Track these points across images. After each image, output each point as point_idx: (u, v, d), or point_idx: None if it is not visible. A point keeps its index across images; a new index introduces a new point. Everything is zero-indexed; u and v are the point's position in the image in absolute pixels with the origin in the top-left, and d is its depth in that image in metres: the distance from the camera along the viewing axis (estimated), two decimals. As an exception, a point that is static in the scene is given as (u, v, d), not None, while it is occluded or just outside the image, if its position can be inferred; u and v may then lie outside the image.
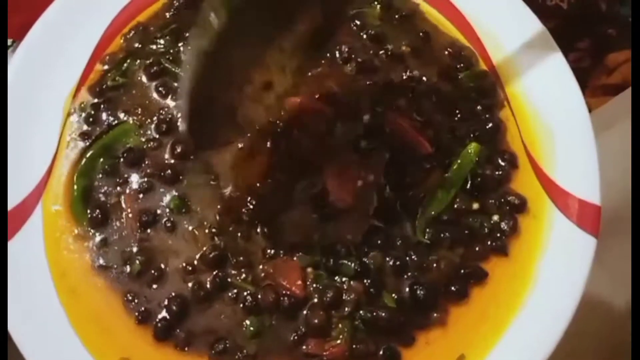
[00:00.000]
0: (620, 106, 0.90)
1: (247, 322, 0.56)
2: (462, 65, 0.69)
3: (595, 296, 0.61)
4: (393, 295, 0.58)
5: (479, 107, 0.67)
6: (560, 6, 0.97)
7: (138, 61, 0.66)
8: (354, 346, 0.56)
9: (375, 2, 0.72)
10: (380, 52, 0.69)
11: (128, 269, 0.58)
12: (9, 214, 0.58)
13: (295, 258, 0.58)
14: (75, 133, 0.63)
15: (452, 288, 0.59)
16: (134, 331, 0.56)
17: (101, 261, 0.58)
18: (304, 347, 0.56)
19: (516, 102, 0.67)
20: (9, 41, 0.79)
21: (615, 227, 0.68)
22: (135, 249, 0.59)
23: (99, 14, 0.68)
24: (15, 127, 0.61)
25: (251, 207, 0.60)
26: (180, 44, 0.67)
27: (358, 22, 0.70)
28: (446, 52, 0.70)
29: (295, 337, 0.56)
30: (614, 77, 1.00)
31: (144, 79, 0.66)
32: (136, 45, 0.68)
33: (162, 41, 0.68)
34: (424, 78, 0.67)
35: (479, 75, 0.68)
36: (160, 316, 0.56)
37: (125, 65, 0.66)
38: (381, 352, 0.56)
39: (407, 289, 0.58)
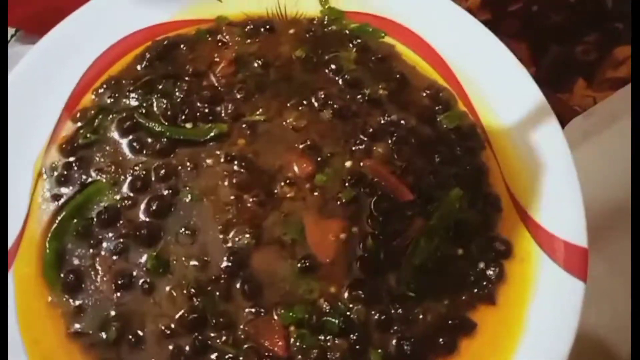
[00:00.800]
0: (625, 98, 0.88)
1: (230, 387, 0.54)
2: (440, 107, 0.68)
3: (595, 288, 0.59)
4: (379, 351, 0.56)
5: (459, 149, 0.66)
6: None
7: (110, 116, 0.65)
8: (341, 408, 0.54)
9: (351, 45, 0.71)
10: (358, 96, 0.68)
11: (104, 335, 0.56)
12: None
13: (276, 317, 0.57)
14: (47, 194, 0.61)
15: (440, 341, 0.57)
16: (111, 402, 0.54)
17: (76, 327, 0.56)
18: (289, 412, 0.54)
19: (497, 142, 0.66)
20: (12, 30, 0.76)
21: (616, 219, 0.67)
22: (111, 314, 0.57)
23: (69, 68, 0.67)
24: (-17, 191, 0.60)
25: (229, 263, 0.58)
26: (153, 97, 0.66)
27: (333, 67, 0.69)
28: (424, 94, 0.69)
29: (280, 402, 0.54)
30: (620, 71, 0.98)
31: (117, 134, 0.64)
32: (108, 99, 0.66)
33: (134, 94, 0.66)
34: (403, 122, 0.66)
35: (458, 116, 0.67)
36: (138, 385, 0.54)
37: (97, 121, 0.65)
38: (369, 414, 0.55)
39: (394, 344, 0.57)
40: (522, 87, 0.67)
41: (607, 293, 0.68)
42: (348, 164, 0.64)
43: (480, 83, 0.68)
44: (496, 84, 0.68)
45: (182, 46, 0.70)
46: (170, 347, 0.55)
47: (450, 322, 0.58)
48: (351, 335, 0.56)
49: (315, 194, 0.62)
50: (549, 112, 0.65)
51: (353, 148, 0.64)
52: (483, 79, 0.68)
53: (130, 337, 0.56)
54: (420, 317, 0.58)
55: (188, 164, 0.63)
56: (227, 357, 0.55)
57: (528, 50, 0.92)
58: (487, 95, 0.68)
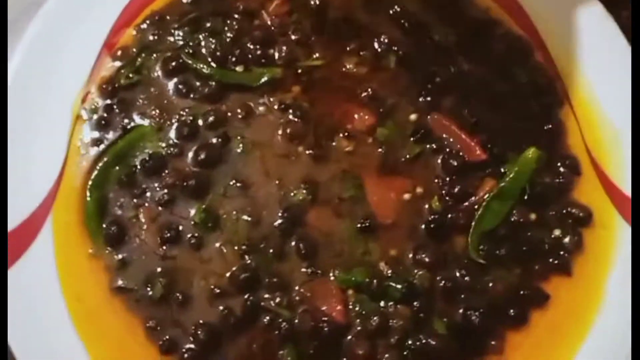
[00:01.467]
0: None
1: (283, 351, 0.51)
2: (516, 57, 0.61)
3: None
4: (444, 320, 0.53)
5: (535, 106, 0.60)
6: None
7: (154, 56, 0.59)
8: (402, 378, 0.51)
9: (418, -15, 0.64)
10: (424, 42, 0.61)
11: (150, 292, 0.52)
12: (15, 231, 0.52)
13: (333, 279, 0.53)
14: (86, 139, 0.57)
15: (510, 312, 0.53)
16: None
17: (120, 283, 0.53)
18: (347, 380, 0.51)
19: (578, 99, 0.60)
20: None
21: None
22: (157, 270, 0.53)
23: (107, 2, 0.60)
24: (17, 133, 0.55)
25: (283, 220, 0.54)
26: (200, 35, 0.60)
27: (397, 8, 0.63)
28: (497, 43, 0.62)
29: (338, 369, 0.51)
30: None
31: (161, 75, 0.59)
32: (151, 37, 0.60)
33: (180, 32, 0.61)
34: (474, 72, 0.60)
35: (535, 69, 0.61)
36: (186, 346, 0.51)
37: (139, 60, 0.59)
38: (433, 385, 0.51)
39: (460, 314, 0.53)
40: (608, 40, 0.60)
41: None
42: (413, 117, 0.58)
43: (560, 32, 0.61)
44: (579, 35, 0.60)
45: (232, -20, 0.63)
46: (220, 308, 0.52)
47: (521, 292, 0.54)
48: (414, 303, 0.52)
49: (377, 149, 0.57)
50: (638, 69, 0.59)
51: (419, 100, 0.59)
52: (564, 28, 0.61)
53: (178, 295, 0.52)
54: (490, 285, 0.54)
55: (239, 111, 0.58)
56: (280, 320, 0.51)
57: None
58: (568, 46, 0.61)
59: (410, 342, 0.51)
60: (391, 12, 0.62)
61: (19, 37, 0.56)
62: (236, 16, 0.61)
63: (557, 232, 0.55)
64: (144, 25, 0.61)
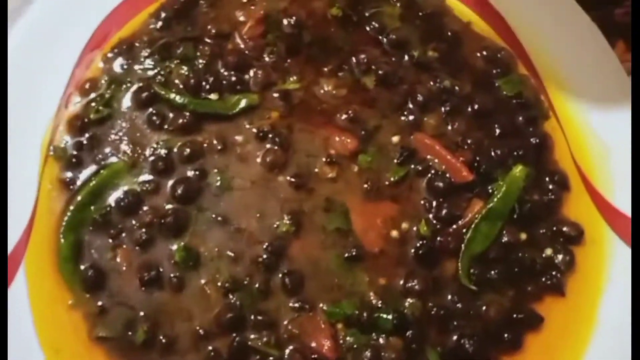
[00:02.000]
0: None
1: (274, 391, 0.49)
2: (498, 70, 0.60)
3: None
4: (438, 349, 0.51)
5: (520, 120, 0.59)
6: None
7: (124, 87, 0.57)
8: (398, 413, 0.49)
9: (395, 0, 0.62)
10: (404, 59, 0.60)
11: (132, 337, 0.50)
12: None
13: (322, 313, 0.51)
14: (57, 179, 0.54)
15: (504, 337, 0.52)
16: (144, 412, 0.49)
17: (100, 331, 0.51)
18: (342, 419, 0.49)
19: (563, 111, 0.59)
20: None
21: None
22: (139, 314, 0.51)
23: (73, 32, 0.58)
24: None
25: (267, 254, 0.52)
26: (171, 63, 0.58)
27: (376, 25, 0.61)
28: (479, 56, 0.61)
29: (331, 407, 0.49)
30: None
31: (133, 108, 0.57)
32: (119, 68, 0.58)
33: (150, 61, 0.58)
34: (456, 88, 0.59)
35: (519, 82, 0.60)
36: (173, 392, 0.49)
37: (109, 92, 0.57)
38: (429, 417, 0.50)
39: (454, 342, 0.52)
40: (592, 48, 0.59)
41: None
42: (395, 138, 0.57)
43: (543, 42, 0.60)
44: (562, 44, 0.60)
45: (202, 3, 0.61)
46: (208, 349, 0.50)
47: (515, 316, 0.53)
48: (406, 333, 0.51)
49: (361, 174, 0.55)
50: (623, 75, 0.57)
51: (401, 120, 0.57)
52: (547, 38, 0.60)
53: (162, 338, 0.50)
54: (483, 310, 0.53)
55: (215, 142, 0.55)
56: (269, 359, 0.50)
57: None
58: (552, 57, 0.60)
59: (403, 375, 0.50)
60: (368, 29, 0.60)
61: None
62: (208, 40, 0.60)
63: (548, 252, 0.54)
64: (111, 54, 0.59)
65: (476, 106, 0.58)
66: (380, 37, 0.60)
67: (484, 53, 0.60)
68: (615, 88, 0.57)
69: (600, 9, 0.86)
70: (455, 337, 0.51)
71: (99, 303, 0.51)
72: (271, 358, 0.50)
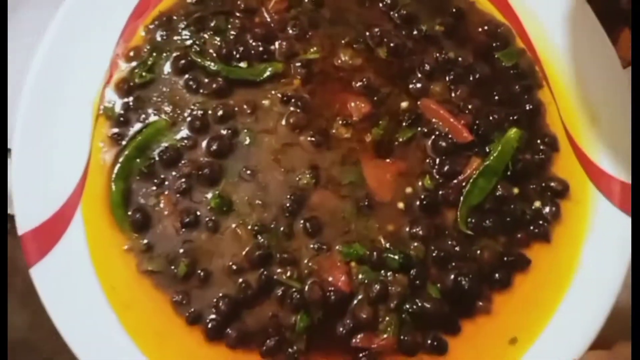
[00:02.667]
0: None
1: (296, 318, 0.57)
2: (498, 43, 0.66)
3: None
4: (437, 286, 0.59)
5: (517, 88, 0.65)
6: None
7: (164, 55, 0.64)
8: (401, 338, 0.57)
9: (405, -22, 0.68)
10: (413, 33, 0.66)
11: (174, 271, 0.58)
12: (46, 223, 0.58)
13: (338, 253, 0.59)
14: (107, 135, 0.62)
15: (496, 276, 0.59)
16: (185, 332, 0.57)
17: (147, 266, 0.59)
18: (353, 340, 0.57)
19: (555, 81, 0.65)
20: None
21: None
22: (179, 251, 0.59)
23: (117, 5, 0.65)
24: (40, 134, 0.60)
25: (290, 202, 0.60)
26: (205, 34, 0.65)
27: (388, 1, 0.67)
28: (481, 30, 0.67)
29: (344, 332, 0.57)
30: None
31: (172, 73, 0.64)
32: (159, 38, 0.65)
33: (186, 32, 0.65)
34: (460, 59, 0.65)
35: (516, 54, 0.66)
36: (210, 317, 0.57)
37: (151, 60, 0.64)
38: (428, 342, 0.58)
39: (451, 280, 0.59)
40: (583, 24, 0.65)
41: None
42: (404, 104, 0.63)
43: (540, 19, 0.66)
44: (556, 20, 0.65)
45: (232, -20, 0.67)
46: (239, 282, 0.58)
47: (505, 258, 0.60)
48: (411, 271, 0.58)
49: (372, 132, 0.62)
50: (611, 50, 0.64)
51: (410, 87, 0.64)
52: (543, 15, 0.66)
53: (200, 272, 0.58)
54: (478, 253, 0.60)
55: (245, 106, 0.62)
56: (292, 291, 0.58)
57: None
58: (547, 32, 0.66)
59: (407, 306, 0.57)
60: (381, 5, 0.67)
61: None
62: (238, 14, 0.66)
63: (537, 204, 0.61)
64: (152, 26, 0.66)
65: (477, 75, 0.64)
66: (392, 13, 0.66)
67: (486, 28, 0.66)
68: (602, 60, 0.63)
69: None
70: (453, 276, 0.59)
71: (145, 241, 0.59)
72: (293, 289, 0.58)
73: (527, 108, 0.64)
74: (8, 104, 0.60)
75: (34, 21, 0.64)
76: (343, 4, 0.67)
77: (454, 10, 0.67)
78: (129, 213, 0.60)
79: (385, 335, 0.57)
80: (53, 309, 0.55)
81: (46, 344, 0.68)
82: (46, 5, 0.65)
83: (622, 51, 0.88)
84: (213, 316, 0.57)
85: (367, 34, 0.66)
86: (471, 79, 0.64)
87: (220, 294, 0.58)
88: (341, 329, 0.57)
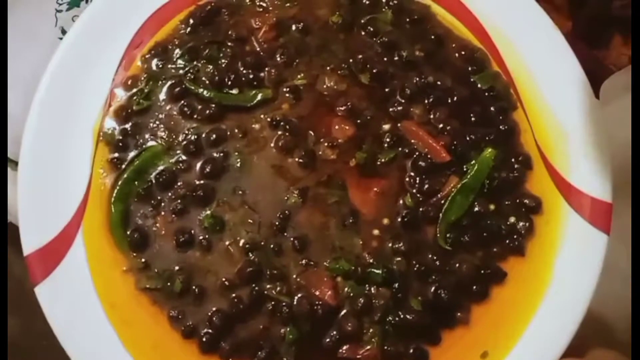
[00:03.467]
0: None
1: (286, 330, 0.60)
2: (474, 67, 0.70)
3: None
4: (419, 298, 0.62)
5: (492, 110, 0.69)
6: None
7: (160, 82, 0.68)
8: (385, 348, 0.61)
9: (386, 7, 0.72)
10: (394, 58, 0.70)
11: (171, 288, 0.62)
12: (50, 243, 0.61)
13: (325, 269, 0.62)
14: (107, 159, 0.66)
15: (474, 289, 0.63)
16: (181, 346, 0.61)
17: (145, 283, 0.62)
18: (340, 351, 0.60)
19: (529, 103, 0.69)
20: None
21: (626, 191, 0.70)
22: (175, 269, 0.63)
23: (116, 36, 0.69)
24: (45, 160, 0.64)
25: (279, 221, 0.63)
26: (199, 62, 0.69)
27: (370, 29, 0.71)
28: (458, 55, 0.71)
29: (331, 343, 0.60)
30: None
31: (168, 100, 0.68)
32: (155, 67, 0.69)
33: (180, 60, 0.69)
34: (439, 83, 0.69)
35: (492, 77, 0.70)
36: (204, 330, 0.61)
37: (147, 87, 0.68)
38: (411, 352, 0.61)
39: (432, 292, 0.62)
40: (556, 50, 0.68)
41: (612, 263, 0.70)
42: (386, 126, 0.67)
43: (514, 44, 0.70)
44: (530, 45, 0.69)
45: (223, 11, 0.71)
46: (231, 297, 0.61)
47: (483, 271, 0.63)
48: (394, 285, 0.62)
49: (357, 156, 0.66)
50: (581, 74, 0.67)
51: (391, 110, 0.68)
52: (517, 40, 0.70)
53: (194, 288, 0.62)
54: (456, 267, 0.63)
55: (236, 130, 0.66)
56: (281, 305, 0.61)
57: (565, 4, 0.89)
58: (521, 56, 0.69)
59: (390, 318, 0.60)
60: (364, 33, 0.71)
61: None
62: (229, 43, 0.70)
63: (512, 219, 0.64)
64: (149, 56, 0.70)
65: (455, 98, 0.68)
66: (374, 39, 0.71)
67: (463, 53, 0.70)
68: (573, 81, 0.67)
69: (598, 1, 0.91)
70: (433, 289, 0.62)
71: (143, 260, 0.63)
72: (283, 304, 0.61)
73: (502, 128, 0.68)
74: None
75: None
76: (328, 32, 0.71)
77: (432, 36, 0.71)
78: (128, 233, 0.63)
79: (369, 347, 0.60)
80: (57, 326, 0.58)
81: (37, 348, 0.71)
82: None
83: (612, 57, 0.92)
84: (207, 330, 0.61)
85: (351, 60, 0.69)
86: (449, 101, 0.68)
87: (214, 309, 0.61)
88: (328, 341, 0.60)
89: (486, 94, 0.69)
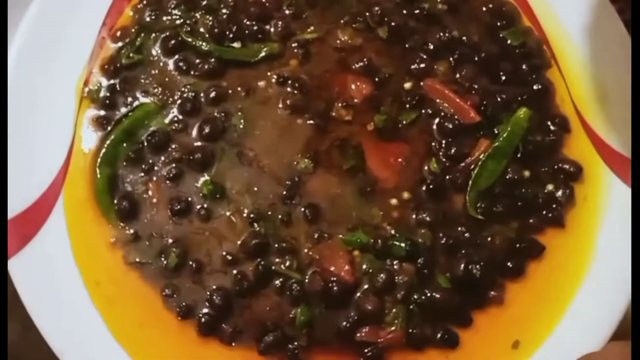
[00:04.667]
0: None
1: (296, 311, 0.53)
2: (504, 22, 0.63)
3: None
4: (447, 275, 0.55)
5: (524, 68, 0.62)
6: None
7: (153, 35, 0.61)
8: (410, 331, 0.53)
9: (406, -43, 0.65)
10: (415, 11, 0.63)
11: (164, 262, 0.54)
12: (26, 211, 0.54)
13: (340, 241, 0.55)
14: (92, 119, 0.58)
15: (509, 264, 0.56)
16: (176, 328, 0.53)
17: (135, 257, 0.55)
18: (358, 335, 0.53)
19: (564, 60, 0.62)
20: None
21: None
22: (169, 241, 0.55)
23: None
24: (21, 119, 0.56)
25: (288, 188, 0.56)
26: (197, 13, 0.61)
27: (388, -21, 0.64)
28: (485, 9, 0.64)
29: (348, 325, 0.53)
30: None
31: (161, 54, 0.60)
32: (148, 17, 0.61)
33: (177, 11, 0.62)
34: (464, 38, 0.62)
35: (522, 33, 0.63)
36: (203, 311, 0.53)
37: (139, 40, 0.60)
38: (439, 336, 0.54)
39: (462, 268, 0.55)
40: (593, 3, 0.62)
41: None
42: (407, 85, 0.60)
43: (546, -3, 0.63)
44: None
45: (224, -42, 0.64)
46: (234, 273, 0.54)
47: (518, 245, 0.56)
48: (418, 259, 0.55)
49: (375, 116, 0.59)
50: (622, 29, 0.61)
51: (412, 67, 0.61)
52: (549, -7, 0.63)
53: (192, 263, 0.54)
54: (488, 240, 0.56)
55: (239, 88, 0.59)
56: (291, 282, 0.54)
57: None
58: (554, 8, 0.63)
59: (415, 296, 0.54)
60: (382, -17, 0.64)
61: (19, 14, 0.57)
62: (231, -7, 0.63)
63: (549, 187, 0.58)
64: (140, 5, 0.62)
65: (483, 54, 0.61)
66: (392, -10, 0.64)
67: (490, 6, 0.63)
68: (611, 38, 0.60)
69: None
70: (463, 264, 0.55)
71: (132, 231, 0.55)
72: (293, 281, 0.54)
73: (536, 88, 0.61)
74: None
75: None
76: (341, -18, 0.64)
77: (457, -12, 0.64)
78: (115, 201, 0.56)
79: (392, 328, 0.53)
80: (31, 304, 0.51)
81: (36, 353, 0.64)
82: None
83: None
84: (206, 310, 0.53)
85: (367, 13, 0.62)
86: (476, 58, 0.61)
87: (214, 287, 0.54)
88: (345, 323, 0.53)
89: (517, 50, 0.63)
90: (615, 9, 0.61)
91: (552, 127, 0.60)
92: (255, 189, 0.56)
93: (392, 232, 0.56)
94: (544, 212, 0.58)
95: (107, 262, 0.55)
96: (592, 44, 0.62)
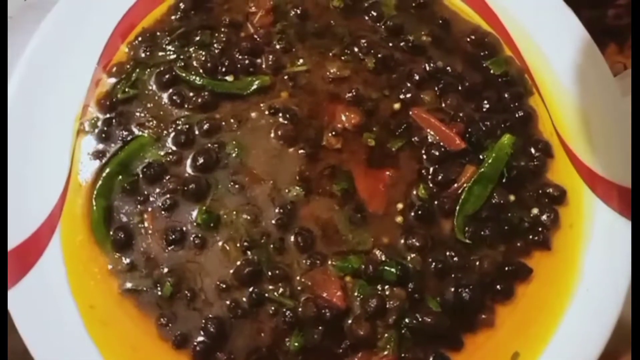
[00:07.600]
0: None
1: (290, 338, 0.54)
2: (486, 52, 0.66)
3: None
4: (437, 299, 0.56)
5: (507, 96, 0.64)
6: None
7: (148, 70, 0.62)
8: (402, 355, 0.54)
9: (390, -9, 0.68)
10: (400, 43, 0.65)
11: (159, 291, 0.55)
12: (23, 243, 0.55)
13: (331, 268, 0.56)
14: (88, 152, 0.59)
15: (497, 287, 0.57)
16: (171, 357, 0.54)
17: (130, 285, 0.55)
18: (351, 360, 0.54)
19: (545, 88, 0.65)
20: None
21: None
22: (164, 270, 0.56)
23: (99, 21, 0.63)
24: (20, 151, 0.58)
25: (280, 216, 0.57)
26: (190, 49, 0.63)
27: (374, 14, 0.67)
28: (468, 40, 0.67)
29: (341, 351, 0.54)
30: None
31: (156, 88, 0.62)
32: (143, 53, 0.63)
33: (171, 47, 0.64)
34: (449, 68, 0.64)
35: (505, 62, 0.66)
36: (198, 339, 0.54)
37: (134, 75, 0.62)
38: (430, 359, 0.55)
39: (452, 292, 0.56)
40: (569, 30, 0.65)
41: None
42: (397, 105, 0.62)
43: (526, 26, 0.66)
44: (543, 27, 0.66)
45: (216, -6, 0.67)
46: (227, 302, 0.55)
47: (506, 268, 0.58)
48: (409, 284, 0.56)
49: (364, 144, 0.60)
50: (598, 55, 0.64)
51: (400, 97, 0.63)
52: (529, 22, 0.66)
53: (186, 292, 0.55)
54: (477, 264, 0.58)
55: (232, 119, 0.61)
56: (284, 309, 0.54)
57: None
58: (534, 39, 0.66)
59: (407, 320, 0.55)
60: (367, 18, 0.66)
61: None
62: (223, 29, 0.65)
63: (535, 211, 0.60)
64: (136, 42, 0.64)
65: (467, 84, 0.63)
66: (378, 24, 0.66)
67: (472, 37, 0.66)
68: (590, 66, 0.63)
69: (594, 9, 0.90)
70: (453, 288, 0.56)
71: (128, 261, 0.56)
72: (287, 307, 0.54)
73: (519, 115, 0.63)
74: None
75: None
76: (328, 17, 0.66)
77: (440, 21, 0.67)
78: (111, 232, 0.57)
79: (385, 353, 0.54)
80: (27, 334, 0.51)
81: None
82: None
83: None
84: (201, 339, 0.54)
85: (355, 46, 0.65)
86: (461, 87, 0.64)
87: (209, 315, 0.54)
88: (338, 348, 0.54)
89: (500, 79, 0.65)
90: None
91: (535, 153, 0.62)
92: (248, 217, 0.58)
93: (383, 257, 0.57)
94: (530, 236, 0.59)
95: (102, 290, 0.55)
96: (572, 72, 0.64)
